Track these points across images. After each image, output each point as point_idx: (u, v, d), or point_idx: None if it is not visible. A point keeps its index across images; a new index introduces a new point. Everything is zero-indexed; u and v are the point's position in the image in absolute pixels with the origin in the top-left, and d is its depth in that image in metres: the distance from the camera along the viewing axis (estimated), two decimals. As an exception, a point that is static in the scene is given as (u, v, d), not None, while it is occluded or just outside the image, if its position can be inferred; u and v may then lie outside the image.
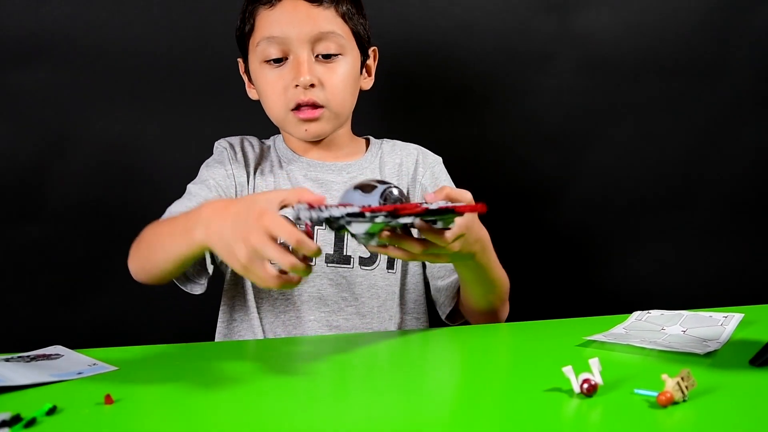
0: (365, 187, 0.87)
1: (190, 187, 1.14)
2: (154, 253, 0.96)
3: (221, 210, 0.84)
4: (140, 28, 1.44)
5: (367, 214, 0.79)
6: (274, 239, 0.77)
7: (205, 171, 1.16)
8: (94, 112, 1.45)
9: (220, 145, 1.19)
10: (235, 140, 1.20)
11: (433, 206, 0.83)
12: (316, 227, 1.06)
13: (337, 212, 0.79)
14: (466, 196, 0.91)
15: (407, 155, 1.22)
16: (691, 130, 1.61)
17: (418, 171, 1.21)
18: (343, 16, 1.13)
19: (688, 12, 1.56)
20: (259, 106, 1.21)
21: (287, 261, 0.77)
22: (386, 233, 0.85)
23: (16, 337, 1.42)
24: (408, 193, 1.19)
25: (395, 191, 0.86)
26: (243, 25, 1.16)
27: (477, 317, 1.14)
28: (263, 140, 1.24)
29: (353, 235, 0.84)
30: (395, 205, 0.83)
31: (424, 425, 0.68)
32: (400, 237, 0.87)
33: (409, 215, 0.81)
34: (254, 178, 1.16)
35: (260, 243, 0.77)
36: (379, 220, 0.80)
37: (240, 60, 1.21)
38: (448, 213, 0.83)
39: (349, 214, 0.79)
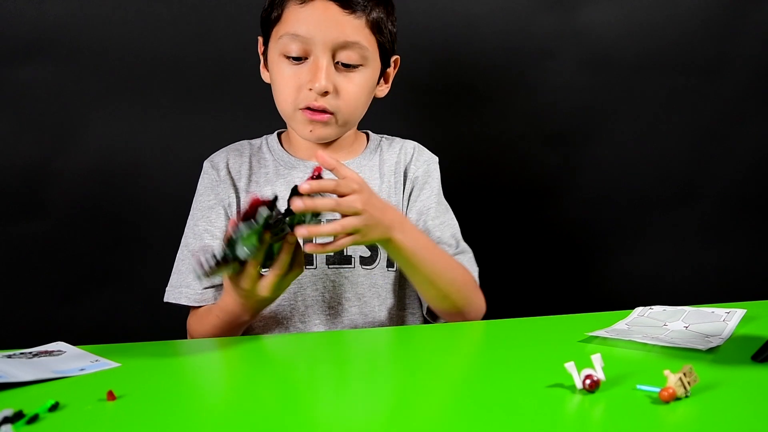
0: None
1: (191, 244, 1.15)
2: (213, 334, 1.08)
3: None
4: (142, 25, 1.44)
5: (230, 228, 0.88)
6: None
7: (197, 213, 1.16)
8: (95, 109, 1.45)
9: (205, 169, 1.18)
10: (221, 158, 1.18)
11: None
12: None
13: (217, 249, 0.89)
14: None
15: (404, 153, 1.21)
16: (694, 127, 1.61)
17: (411, 165, 1.20)
18: (373, 27, 1.10)
19: (691, 9, 1.56)
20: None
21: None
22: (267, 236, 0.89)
23: (18, 334, 1.42)
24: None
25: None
26: (270, 9, 1.13)
27: (446, 317, 1.12)
28: (252, 141, 1.22)
29: (241, 262, 0.91)
30: (246, 208, 0.89)
31: (426, 421, 0.68)
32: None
33: (258, 207, 0.88)
34: (247, 191, 1.15)
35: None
36: (242, 227, 0.87)
37: (261, 38, 1.18)
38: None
39: (226, 243, 0.88)
